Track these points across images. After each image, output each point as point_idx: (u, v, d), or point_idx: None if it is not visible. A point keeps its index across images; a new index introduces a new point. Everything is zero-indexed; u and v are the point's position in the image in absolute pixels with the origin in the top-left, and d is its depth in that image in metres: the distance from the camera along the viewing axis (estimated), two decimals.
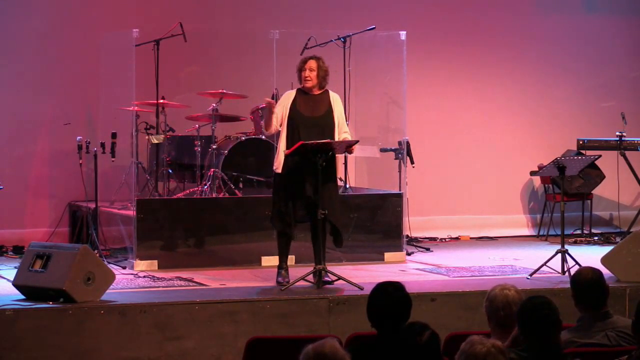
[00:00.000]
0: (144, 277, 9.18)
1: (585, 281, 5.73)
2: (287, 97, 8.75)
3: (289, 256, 8.93)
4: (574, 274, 5.90)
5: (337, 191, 8.91)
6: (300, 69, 8.70)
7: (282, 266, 8.81)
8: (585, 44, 13.10)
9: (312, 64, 8.67)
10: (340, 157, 9.65)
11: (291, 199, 8.56)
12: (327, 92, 8.78)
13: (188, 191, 10.61)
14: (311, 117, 8.67)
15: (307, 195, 8.49)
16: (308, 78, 8.66)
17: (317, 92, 8.74)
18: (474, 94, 12.70)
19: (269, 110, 8.72)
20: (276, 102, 10.57)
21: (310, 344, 4.08)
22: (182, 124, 11.04)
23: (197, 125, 10.77)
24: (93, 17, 11.48)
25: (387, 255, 10.19)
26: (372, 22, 10.88)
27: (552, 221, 12.26)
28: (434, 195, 12.41)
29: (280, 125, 8.68)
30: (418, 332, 4.78)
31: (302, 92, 8.75)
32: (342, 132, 8.72)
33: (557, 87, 13.03)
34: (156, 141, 10.51)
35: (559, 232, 9.99)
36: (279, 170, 8.63)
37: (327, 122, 8.68)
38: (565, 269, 9.07)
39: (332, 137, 8.64)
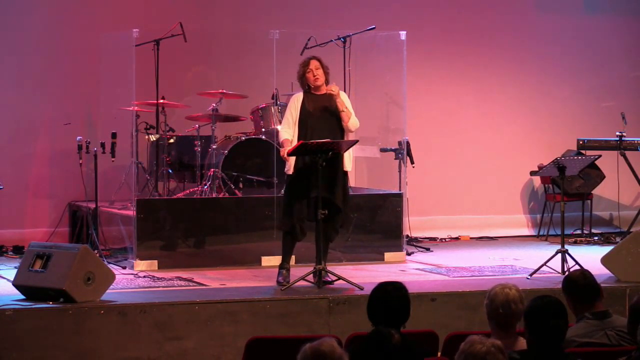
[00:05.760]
0: (144, 277, 9.18)
1: (572, 280, 5.82)
2: (297, 100, 8.76)
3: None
4: (562, 281, 5.95)
5: (348, 191, 8.90)
6: (305, 72, 8.72)
7: (284, 266, 8.80)
8: (585, 44, 13.09)
9: (315, 63, 8.73)
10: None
11: (302, 199, 8.56)
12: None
13: (188, 191, 10.61)
14: (322, 116, 8.71)
15: (316, 195, 8.49)
16: (317, 76, 8.70)
17: (323, 91, 8.77)
18: (474, 94, 12.69)
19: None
20: (275, 102, 10.60)
21: (308, 343, 4.08)
22: (182, 124, 11.04)
23: (197, 125, 10.77)
24: (93, 17, 11.48)
25: (387, 255, 10.19)
26: (372, 22, 10.87)
27: (552, 221, 12.26)
28: (434, 195, 12.41)
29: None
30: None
31: (309, 93, 8.78)
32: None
33: (557, 87, 13.02)
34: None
35: (559, 232, 9.99)
36: (290, 172, 8.65)
37: (337, 121, 8.72)
38: (565, 269, 9.06)
39: (342, 135, 8.71)
